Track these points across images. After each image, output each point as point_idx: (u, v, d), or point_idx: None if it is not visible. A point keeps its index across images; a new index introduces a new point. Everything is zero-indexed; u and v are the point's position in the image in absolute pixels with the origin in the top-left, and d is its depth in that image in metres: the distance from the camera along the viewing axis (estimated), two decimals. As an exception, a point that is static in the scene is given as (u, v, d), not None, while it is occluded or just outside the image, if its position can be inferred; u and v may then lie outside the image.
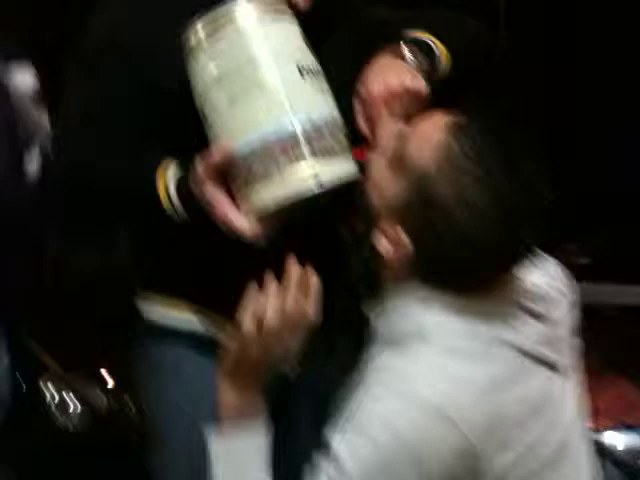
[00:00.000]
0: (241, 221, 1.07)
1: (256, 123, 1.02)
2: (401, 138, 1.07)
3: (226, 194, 1.07)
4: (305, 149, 1.03)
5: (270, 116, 1.02)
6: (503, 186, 1.00)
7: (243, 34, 1.04)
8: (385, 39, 1.20)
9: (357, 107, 1.16)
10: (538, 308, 1.09)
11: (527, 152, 1.04)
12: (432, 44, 1.20)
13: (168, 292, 1.31)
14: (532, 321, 1.08)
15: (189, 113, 1.11)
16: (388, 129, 1.11)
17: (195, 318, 1.29)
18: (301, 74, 1.05)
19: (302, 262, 1.07)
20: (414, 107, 1.13)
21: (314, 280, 1.05)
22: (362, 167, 1.11)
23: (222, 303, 1.22)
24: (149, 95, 1.16)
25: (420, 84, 1.14)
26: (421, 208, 1.02)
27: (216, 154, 1.06)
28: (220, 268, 1.23)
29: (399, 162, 1.05)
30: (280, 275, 1.05)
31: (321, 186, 1.04)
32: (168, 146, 1.16)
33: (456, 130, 1.03)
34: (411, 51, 1.18)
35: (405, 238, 1.03)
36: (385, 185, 1.06)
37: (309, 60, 1.08)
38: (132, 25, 1.18)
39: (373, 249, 1.07)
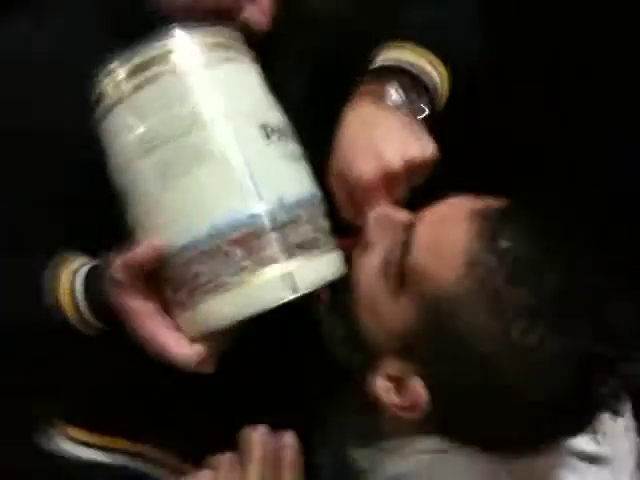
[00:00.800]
0: (181, 344, 0.74)
1: (205, 211, 0.70)
2: (404, 243, 0.74)
3: (156, 306, 0.74)
4: (276, 245, 0.71)
5: (225, 201, 0.70)
6: (570, 315, 0.67)
7: (182, 82, 0.72)
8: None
9: (338, 190, 0.80)
10: (597, 451, 0.79)
11: (597, 255, 0.70)
12: (427, 64, 0.83)
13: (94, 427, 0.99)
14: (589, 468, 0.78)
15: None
16: (383, 224, 0.78)
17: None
18: (267, 136, 0.73)
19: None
20: (419, 179, 0.80)
21: (290, 454, 0.70)
22: (349, 260, 0.80)
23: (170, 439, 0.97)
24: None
25: (428, 150, 0.79)
26: (440, 346, 0.70)
27: (143, 252, 0.72)
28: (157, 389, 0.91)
29: (402, 278, 0.73)
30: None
31: (297, 292, 0.72)
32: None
33: (486, 230, 0.70)
34: (401, 86, 0.81)
35: (417, 382, 0.72)
36: (383, 308, 0.74)
37: (275, 115, 0.77)
38: (43, 96, 0.81)
39: (368, 387, 0.76)
